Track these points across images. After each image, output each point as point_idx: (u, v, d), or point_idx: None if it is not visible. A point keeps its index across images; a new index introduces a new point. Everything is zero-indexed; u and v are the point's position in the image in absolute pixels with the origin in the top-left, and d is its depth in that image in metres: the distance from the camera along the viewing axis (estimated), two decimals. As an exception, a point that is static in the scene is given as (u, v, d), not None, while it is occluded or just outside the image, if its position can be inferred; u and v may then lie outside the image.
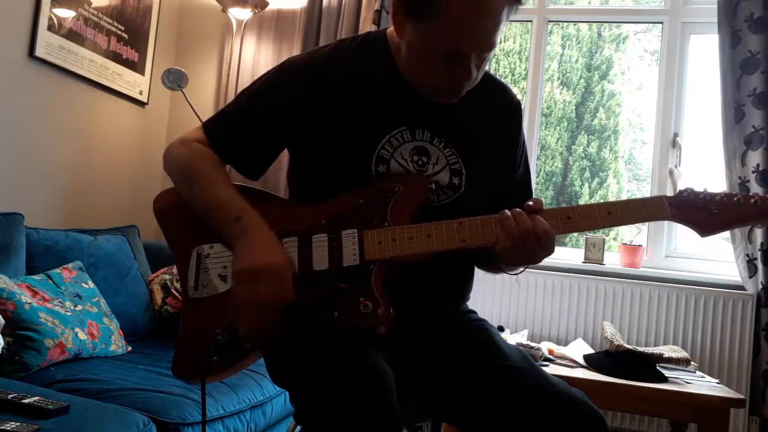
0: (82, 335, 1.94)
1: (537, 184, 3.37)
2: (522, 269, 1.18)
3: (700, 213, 1.09)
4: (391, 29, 1.19)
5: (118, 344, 2.10)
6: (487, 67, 1.18)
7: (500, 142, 1.28)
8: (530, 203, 1.09)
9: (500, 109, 1.28)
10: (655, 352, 2.26)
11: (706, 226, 1.09)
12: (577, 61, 4.59)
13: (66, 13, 2.56)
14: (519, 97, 1.33)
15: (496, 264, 1.22)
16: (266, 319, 1.03)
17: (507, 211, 1.08)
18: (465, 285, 1.31)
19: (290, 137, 1.21)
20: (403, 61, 1.15)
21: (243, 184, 1.18)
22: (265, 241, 1.07)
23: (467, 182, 1.20)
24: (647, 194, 3.12)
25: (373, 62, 1.19)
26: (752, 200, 1.07)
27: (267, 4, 3.03)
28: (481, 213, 1.21)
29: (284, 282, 1.04)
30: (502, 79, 1.34)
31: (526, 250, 1.06)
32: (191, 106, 2.83)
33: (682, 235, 2.94)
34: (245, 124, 1.20)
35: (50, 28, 2.48)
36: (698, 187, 1.12)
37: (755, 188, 2.60)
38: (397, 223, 1.11)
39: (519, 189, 1.33)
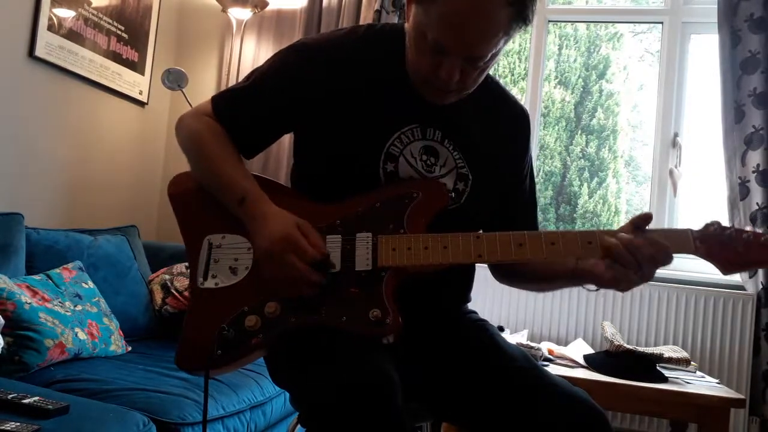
0: (82, 335, 1.94)
1: (537, 184, 3.36)
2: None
3: (725, 250, 1.03)
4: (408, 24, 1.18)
5: (118, 344, 2.10)
6: (490, 72, 1.16)
7: (508, 152, 1.26)
8: (641, 221, 1.03)
9: (510, 120, 1.27)
10: (655, 352, 2.26)
11: (729, 265, 1.03)
12: (575, 60, 4.58)
13: (66, 13, 2.55)
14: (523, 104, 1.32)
15: (553, 279, 1.20)
16: (307, 281, 1.02)
17: (615, 241, 1.01)
18: (466, 287, 1.31)
19: (295, 120, 1.20)
20: (406, 48, 1.11)
21: (258, 174, 1.18)
22: (274, 214, 1.07)
23: (472, 188, 1.18)
24: (646, 195, 3.12)
25: (388, 56, 1.15)
26: None
27: (267, 4, 3.03)
28: (484, 221, 1.18)
29: (313, 238, 1.04)
30: (507, 89, 1.32)
31: (643, 276, 1.01)
32: (191, 106, 2.82)
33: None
34: (251, 101, 1.18)
35: (50, 28, 2.48)
36: (725, 222, 1.06)
37: (755, 188, 2.61)
38: (412, 230, 1.08)
39: (524, 199, 1.32)
